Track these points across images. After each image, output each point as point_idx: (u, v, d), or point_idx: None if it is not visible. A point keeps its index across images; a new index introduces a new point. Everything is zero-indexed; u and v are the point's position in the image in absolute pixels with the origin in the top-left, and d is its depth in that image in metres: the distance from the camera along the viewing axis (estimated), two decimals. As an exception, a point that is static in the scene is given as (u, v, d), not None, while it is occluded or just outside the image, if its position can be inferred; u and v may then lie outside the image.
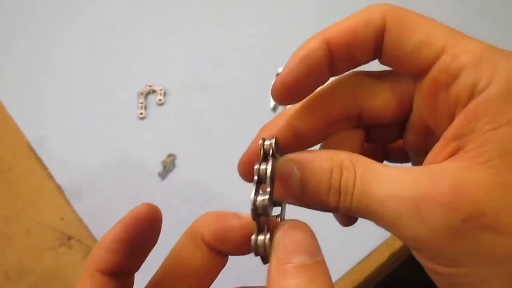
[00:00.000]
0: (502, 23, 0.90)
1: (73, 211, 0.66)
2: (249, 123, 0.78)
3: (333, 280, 0.27)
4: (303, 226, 0.24)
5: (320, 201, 0.24)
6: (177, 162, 0.71)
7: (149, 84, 0.80)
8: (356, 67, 0.28)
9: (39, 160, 0.71)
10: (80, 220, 0.65)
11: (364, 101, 0.28)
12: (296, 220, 0.24)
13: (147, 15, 0.92)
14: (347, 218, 0.31)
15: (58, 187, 0.68)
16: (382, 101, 0.28)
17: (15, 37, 0.88)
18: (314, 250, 0.23)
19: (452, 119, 0.23)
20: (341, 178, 0.24)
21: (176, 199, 0.68)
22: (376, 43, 0.27)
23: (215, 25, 0.91)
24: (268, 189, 0.24)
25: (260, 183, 0.24)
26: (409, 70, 0.26)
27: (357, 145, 0.29)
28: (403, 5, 0.27)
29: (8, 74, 0.83)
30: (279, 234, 0.23)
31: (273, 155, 0.25)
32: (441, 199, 0.21)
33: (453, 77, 0.24)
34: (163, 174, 0.69)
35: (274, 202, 0.25)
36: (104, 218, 0.65)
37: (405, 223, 0.22)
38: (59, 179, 0.69)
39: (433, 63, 0.25)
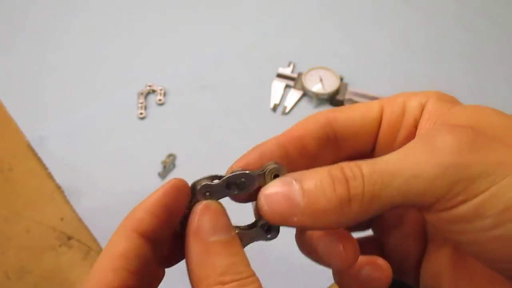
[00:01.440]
0: (502, 23, 0.90)
1: (73, 211, 0.66)
2: (249, 123, 0.78)
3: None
4: (215, 205, 0.25)
5: (327, 200, 0.24)
6: (177, 162, 0.71)
7: (149, 84, 0.80)
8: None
9: (39, 160, 0.71)
10: (80, 220, 0.65)
11: (336, 117, 0.29)
12: (208, 201, 0.26)
13: (147, 15, 0.92)
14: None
15: (58, 187, 0.68)
16: (351, 116, 0.30)
17: (15, 37, 0.88)
18: (228, 226, 0.25)
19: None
20: (343, 170, 0.24)
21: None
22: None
23: (215, 25, 0.91)
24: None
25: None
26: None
27: None
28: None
29: (8, 74, 0.83)
30: (195, 217, 0.25)
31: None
32: (447, 130, 0.24)
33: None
34: (163, 174, 0.69)
35: (269, 228, 0.27)
36: (104, 218, 0.65)
37: (423, 162, 0.23)
38: (59, 179, 0.69)
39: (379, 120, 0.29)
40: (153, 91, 0.79)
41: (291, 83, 0.80)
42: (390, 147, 0.28)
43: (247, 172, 0.26)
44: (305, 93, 0.79)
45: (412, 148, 0.24)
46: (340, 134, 0.29)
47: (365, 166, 0.24)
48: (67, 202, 0.67)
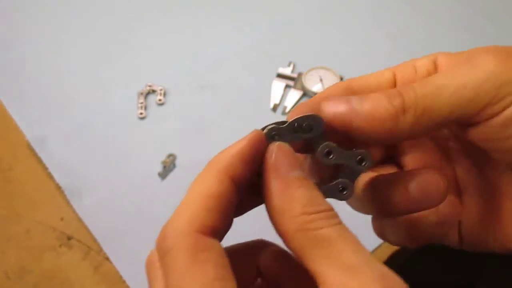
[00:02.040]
0: (502, 23, 0.90)
1: (73, 211, 0.66)
2: (249, 123, 0.78)
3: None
4: (287, 145, 0.26)
5: (384, 108, 0.25)
6: (177, 162, 0.71)
7: (149, 84, 0.80)
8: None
9: (39, 160, 0.71)
10: (80, 220, 0.65)
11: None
12: (280, 142, 0.27)
13: (147, 15, 0.92)
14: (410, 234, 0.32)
15: (58, 187, 0.68)
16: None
17: (15, 37, 0.88)
18: (301, 165, 0.26)
19: None
20: (398, 88, 0.26)
21: (176, 199, 0.67)
22: None
23: (216, 26, 0.91)
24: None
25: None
26: None
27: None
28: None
29: (8, 74, 0.83)
30: (272, 154, 0.26)
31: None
32: (482, 50, 0.27)
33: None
34: (163, 174, 0.69)
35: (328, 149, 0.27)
36: (104, 218, 0.65)
37: (467, 74, 0.25)
38: (59, 179, 0.69)
39: None
40: (153, 91, 0.79)
41: (291, 83, 0.80)
42: None
43: (314, 114, 0.27)
44: (305, 93, 0.79)
45: (455, 67, 0.27)
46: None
47: (416, 83, 0.26)
48: (67, 202, 0.67)
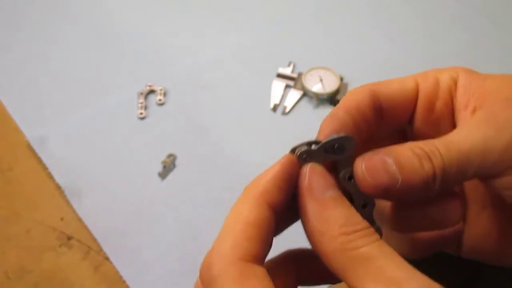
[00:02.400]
0: (502, 23, 0.90)
1: (73, 211, 0.66)
2: (249, 123, 0.78)
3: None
4: (319, 166, 0.27)
5: (419, 175, 0.26)
6: (177, 162, 0.71)
7: (149, 84, 0.80)
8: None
9: (39, 160, 0.71)
10: (80, 220, 0.65)
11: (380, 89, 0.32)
12: (312, 163, 0.27)
13: (147, 15, 0.92)
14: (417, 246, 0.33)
15: (58, 187, 0.68)
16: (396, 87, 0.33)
17: (15, 37, 0.88)
18: (335, 184, 0.27)
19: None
20: (423, 148, 0.27)
21: (176, 199, 0.67)
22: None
23: (215, 25, 0.91)
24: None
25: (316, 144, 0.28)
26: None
27: None
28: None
29: (8, 74, 0.83)
30: (306, 176, 0.26)
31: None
32: (504, 105, 0.28)
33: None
34: (163, 174, 0.69)
35: (364, 202, 0.28)
36: (104, 218, 0.65)
37: (491, 138, 0.27)
38: (59, 179, 0.69)
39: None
40: (153, 91, 0.79)
41: (291, 83, 0.80)
42: (429, 117, 0.32)
43: (346, 136, 0.28)
44: (305, 93, 0.79)
45: (478, 126, 0.27)
46: (384, 103, 0.31)
47: (440, 145, 0.27)
48: (67, 202, 0.67)
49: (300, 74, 0.81)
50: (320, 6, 0.94)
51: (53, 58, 0.85)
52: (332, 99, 0.78)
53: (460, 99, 0.30)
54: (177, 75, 0.82)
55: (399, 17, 0.92)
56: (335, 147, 0.28)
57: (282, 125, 0.76)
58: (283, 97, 0.79)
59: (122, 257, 0.62)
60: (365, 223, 0.24)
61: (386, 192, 0.27)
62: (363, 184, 0.27)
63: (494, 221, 0.31)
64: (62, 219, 0.66)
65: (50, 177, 0.69)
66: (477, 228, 0.32)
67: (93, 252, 0.63)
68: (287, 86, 0.80)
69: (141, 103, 0.77)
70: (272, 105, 0.78)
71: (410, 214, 0.30)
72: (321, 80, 0.79)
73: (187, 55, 0.85)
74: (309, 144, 0.28)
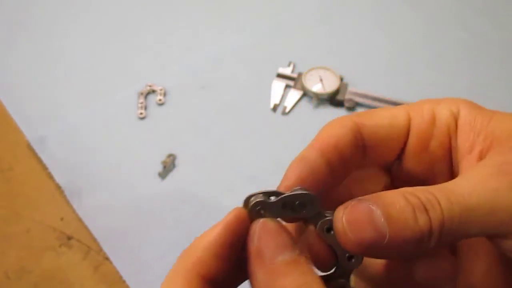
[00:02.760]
0: (502, 23, 0.90)
1: (73, 211, 0.66)
2: (249, 123, 0.78)
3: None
4: (273, 223, 0.23)
5: (411, 230, 0.22)
6: (177, 162, 0.71)
7: (149, 84, 0.80)
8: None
9: (39, 160, 0.71)
10: (80, 220, 0.65)
11: (363, 121, 0.28)
12: (264, 219, 0.23)
13: (147, 15, 0.92)
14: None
15: (58, 187, 0.68)
16: (380, 119, 0.28)
17: (16, 37, 0.88)
18: (293, 243, 0.22)
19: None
20: (419, 198, 0.23)
21: (176, 199, 0.67)
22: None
23: (215, 25, 0.91)
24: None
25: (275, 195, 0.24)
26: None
27: (380, 185, 0.29)
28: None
29: (8, 74, 0.83)
30: (255, 238, 0.22)
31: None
32: None
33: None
34: (163, 174, 0.69)
35: (344, 272, 0.24)
36: (104, 218, 0.65)
37: (502, 194, 0.22)
38: (59, 179, 0.69)
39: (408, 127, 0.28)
40: (153, 91, 0.79)
41: (291, 83, 0.80)
42: (422, 154, 0.27)
43: (309, 193, 0.24)
44: (305, 93, 0.79)
45: (487, 177, 0.23)
46: (368, 140, 0.27)
47: (440, 195, 0.22)
48: (67, 202, 0.67)
49: (300, 74, 0.81)
50: (320, 6, 0.94)
51: (53, 58, 0.85)
52: (332, 99, 0.78)
53: (463, 140, 0.26)
54: (177, 75, 0.82)
55: (400, 17, 0.92)
56: (296, 203, 0.24)
57: (282, 125, 0.76)
58: (283, 97, 0.79)
59: (122, 257, 0.62)
60: None
61: (370, 249, 0.22)
62: (343, 239, 0.23)
63: (490, 274, 0.27)
64: (62, 219, 0.66)
65: (50, 177, 0.69)
66: (470, 278, 0.27)
67: (93, 252, 0.63)
68: (287, 86, 0.80)
69: (141, 103, 0.77)
70: (272, 105, 0.78)
71: (393, 273, 0.26)
72: (321, 80, 0.79)
73: (187, 55, 0.86)
74: (268, 194, 0.24)
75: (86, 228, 0.64)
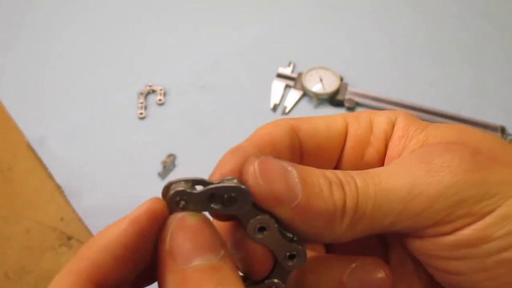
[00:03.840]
0: (502, 23, 0.90)
1: (73, 211, 0.66)
2: (249, 123, 0.78)
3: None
4: (194, 219, 0.20)
5: (324, 201, 0.21)
6: (177, 162, 0.71)
7: (149, 84, 0.80)
8: None
9: (39, 160, 0.71)
10: (80, 220, 0.65)
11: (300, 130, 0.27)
12: (183, 213, 0.20)
13: (147, 15, 0.92)
14: None
15: (58, 187, 0.68)
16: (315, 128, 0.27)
17: (15, 37, 0.88)
18: (216, 243, 0.19)
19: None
20: (337, 176, 0.22)
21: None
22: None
23: (215, 26, 0.91)
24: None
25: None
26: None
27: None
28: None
29: (8, 74, 0.83)
30: (167, 236, 0.19)
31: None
32: (444, 147, 0.22)
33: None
34: (163, 174, 0.69)
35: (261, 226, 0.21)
36: (104, 218, 0.65)
37: (421, 180, 0.21)
38: (59, 179, 0.69)
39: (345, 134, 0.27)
40: (153, 91, 0.79)
41: (291, 83, 0.80)
42: (358, 163, 0.26)
43: (241, 187, 0.20)
44: (305, 93, 0.79)
45: (407, 165, 0.22)
46: (304, 144, 0.26)
47: (358, 177, 0.22)
48: (67, 202, 0.67)
49: (300, 74, 0.81)
50: (320, 6, 0.94)
51: (53, 58, 0.85)
52: (332, 99, 0.78)
53: (394, 145, 0.25)
54: (177, 75, 0.82)
55: (399, 17, 0.92)
56: (225, 197, 0.20)
57: (282, 125, 0.76)
58: (283, 97, 0.79)
59: (122, 257, 0.62)
60: None
61: (281, 206, 0.21)
62: (254, 187, 0.21)
63: None
64: (62, 219, 0.66)
65: (50, 177, 0.69)
66: None
67: (93, 252, 0.63)
68: (287, 86, 0.80)
69: (141, 103, 0.77)
70: (272, 105, 0.78)
71: (318, 282, 0.24)
72: (321, 80, 0.79)
73: (187, 55, 0.86)
74: (194, 182, 0.20)
75: (86, 228, 0.64)
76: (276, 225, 0.21)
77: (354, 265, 0.24)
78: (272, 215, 0.21)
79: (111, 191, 0.68)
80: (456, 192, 0.21)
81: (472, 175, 0.21)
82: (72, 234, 0.64)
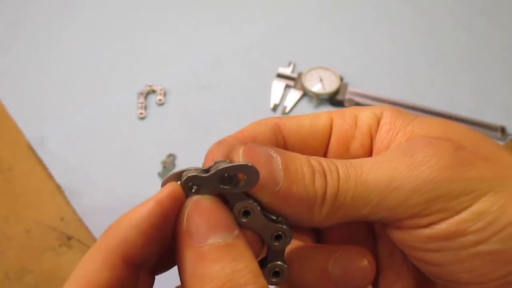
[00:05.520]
0: (502, 23, 0.90)
1: (73, 211, 0.66)
2: (249, 123, 0.78)
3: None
4: (208, 201, 0.21)
5: (305, 188, 0.22)
6: (177, 162, 0.71)
7: (149, 84, 0.80)
8: None
9: (39, 160, 0.71)
10: (80, 220, 0.65)
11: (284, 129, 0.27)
12: (198, 196, 0.21)
13: (147, 15, 0.92)
14: None
15: (58, 187, 0.68)
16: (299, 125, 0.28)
17: (15, 37, 0.88)
18: (230, 223, 0.21)
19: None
20: (321, 164, 0.23)
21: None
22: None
23: (215, 26, 0.91)
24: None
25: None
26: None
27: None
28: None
29: (8, 74, 0.83)
30: (184, 217, 0.20)
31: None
32: (426, 142, 0.23)
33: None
34: (163, 174, 0.69)
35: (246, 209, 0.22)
36: (104, 218, 0.65)
37: (400, 174, 0.22)
38: (59, 179, 0.69)
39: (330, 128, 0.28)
40: (153, 91, 0.79)
41: (291, 83, 0.80)
42: (343, 156, 0.27)
43: (250, 165, 0.21)
44: (305, 93, 0.79)
45: (389, 158, 0.23)
46: (288, 139, 0.26)
47: (341, 167, 0.23)
48: (67, 202, 0.67)
49: (300, 74, 0.81)
50: (320, 7, 0.94)
51: (53, 58, 0.85)
52: (332, 99, 0.78)
53: (381, 138, 0.26)
54: (177, 75, 0.82)
55: (399, 17, 0.92)
56: (233, 176, 0.22)
57: (282, 125, 0.76)
58: (283, 97, 0.79)
59: (122, 257, 0.62)
60: (257, 283, 0.19)
61: (262, 191, 0.21)
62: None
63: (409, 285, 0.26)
64: (62, 219, 0.66)
65: (50, 177, 0.69)
66: None
67: (93, 252, 0.63)
68: (287, 86, 0.80)
69: (141, 103, 0.77)
70: (272, 105, 0.78)
71: (304, 270, 0.25)
72: (321, 80, 0.79)
73: (187, 55, 0.85)
74: (204, 171, 0.22)
75: (86, 228, 0.64)
76: (259, 209, 0.22)
77: (338, 253, 0.24)
78: (255, 199, 0.22)
79: (111, 191, 0.68)
80: (433, 187, 0.21)
81: (451, 171, 0.21)
82: (72, 234, 0.64)
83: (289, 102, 0.78)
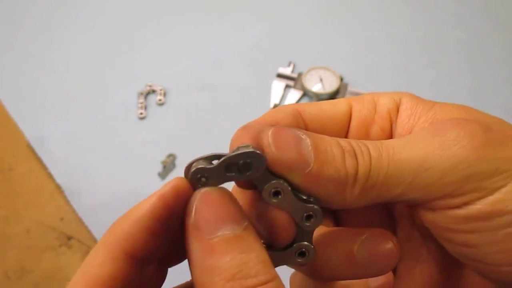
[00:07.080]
0: (502, 23, 0.90)
1: (73, 211, 0.66)
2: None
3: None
4: (217, 192, 0.21)
5: (336, 169, 0.21)
6: (177, 162, 0.71)
7: (149, 84, 0.80)
8: None
9: (39, 160, 0.71)
10: (80, 220, 0.65)
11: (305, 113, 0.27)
12: (207, 188, 0.21)
13: (147, 15, 0.92)
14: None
15: (58, 187, 0.68)
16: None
17: (15, 37, 0.88)
18: (239, 215, 0.20)
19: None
20: (351, 144, 0.22)
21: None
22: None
23: (215, 26, 0.91)
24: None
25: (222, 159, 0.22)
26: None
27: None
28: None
29: (8, 74, 0.83)
30: (192, 210, 0.20)
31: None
32: (456, 123, 0.23)
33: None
34: (163, 174, 0.69)
35: (275, 190, 0.22)
36: (104, 218, 0.65)
37: (433, 154, 0.21)
38: (59, 179, 0.69)
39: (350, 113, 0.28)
40: (153, 91, 0.79)
41: (291, 83, 0.80)
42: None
43: (253, 151, 0.21)
44: (305, 93, 0.79)
45: (420, 138, 0.23)
46: (309, 125, 0.26)
47: (372, 147, 0.22)
48: (67, 202, 0.67)
49: (300, 74, 0.81)
50: (320, 6, 0.94)
51: (53, 58, 0.85)
52: (332, 99, 0.78)
53: (403, 123, 0.26)
54: (177, 75, 0.82)
55: (399, 17, 0.92)
56: (240, 164, 0.21)
57: (282, 125, 0.76)
58: (283, 97, 0.79)
59: (122, 257, 0.62)
60: (266, 274, 0.19)
61: (293, 172, 0.21)
62: (269, 155, 0.21)
63: (429, 280, 0.25)
64: (62, 219, 0.66)
65: (50, 177, 0.69)
66: (410, 282, 0.26)
67: (93, 252, 0.63)
68: (287, 86, 0.80)
69: (141, 103, 0.77)
70: (272, 105, 0.78)
71: (329, 254, 0.25)
72: (321, 80, 0.79)
73: (187, 55, 0.86)
74: (211, 158, 0.22)
75: (86, 228, 0.64)
76: (289, 189, 0.22)
77: (364, 236, 0.24)
78: (286, 180, 0.22)
79: (111, 191, 0.68)
80: (467, 166, 0.21)
81: (483, 151, 0.21)
82: (72, 234, 0.64)
83: (289, 102, 0.78)
